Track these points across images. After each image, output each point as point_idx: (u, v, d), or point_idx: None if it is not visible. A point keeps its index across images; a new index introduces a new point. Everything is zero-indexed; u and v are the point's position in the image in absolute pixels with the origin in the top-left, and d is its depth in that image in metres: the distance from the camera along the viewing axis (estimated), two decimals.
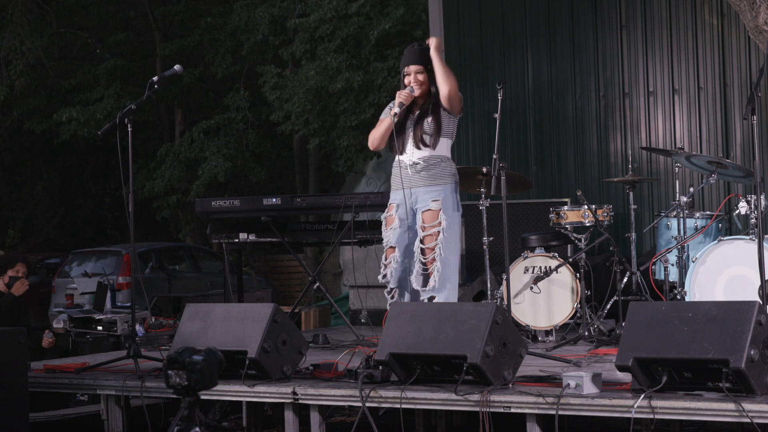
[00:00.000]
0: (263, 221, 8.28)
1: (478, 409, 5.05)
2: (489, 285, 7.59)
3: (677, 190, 7.70)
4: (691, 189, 7.49)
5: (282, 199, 8.23)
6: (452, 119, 6.33)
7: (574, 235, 7.75)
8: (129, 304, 7.96)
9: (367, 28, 18.22)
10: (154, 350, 7.22)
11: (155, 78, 6.61)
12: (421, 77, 6.28)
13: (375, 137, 6.36)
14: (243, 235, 8.42)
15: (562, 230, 7.79)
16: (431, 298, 6.22)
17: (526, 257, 7.64)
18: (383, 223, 6.42)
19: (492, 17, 10.83)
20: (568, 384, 4.96)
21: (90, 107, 21.45)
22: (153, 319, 8.40)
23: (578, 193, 7.67)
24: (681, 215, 7.33)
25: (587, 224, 7.68)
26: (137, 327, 7.41)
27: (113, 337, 8.32)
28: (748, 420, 4.53)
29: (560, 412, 4.91)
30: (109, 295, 9.06)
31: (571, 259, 7.65)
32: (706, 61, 9.83)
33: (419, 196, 6.28)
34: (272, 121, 20.46)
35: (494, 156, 6.58)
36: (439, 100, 6.26)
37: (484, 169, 7.44)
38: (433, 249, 6.21)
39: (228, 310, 6.10)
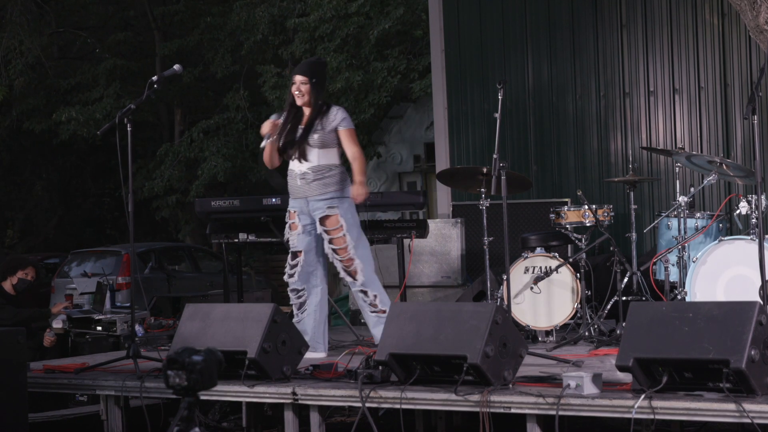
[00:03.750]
0: (263, 221, 8.27)
1: (478, 409, 5.05)
2: (489, 285, 7.58)
3: (677, 190, 7.70)
4: (692, 189, 7.48)
5: (282, 199, 8.22)
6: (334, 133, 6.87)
7: (575, 235, 7.74)
8: (128, 304, 7.96)
9: (367, 28, 18.22)
10: (153, 350, 7.21)
11: (155, 78, 6.61)
12: (303, 88, 6.97)
13: (266, 160, 7.00)
14: (243, 235, 8.42)
15: (563, 230, 7.78)
16: (364, 292, 6.81)
17: (527, 257, 7.63)
18: (287, 228, 6.94)
19: (492, 17, 10.82)
20: (569, 384, 4.95)
21: (89, 107, 21.44)
22: (152, 320, 8.39)
23: (578, 193, 7.66)
24: (681, 215, 7.32)
25: (587, 224, 7.68)
26: (137, 327, 7.40)
27: (113, 338, 8.32)
28: (748, 420, 4.53)
29: (560, 413, 4.90)
30: (108, 295, 9.05)
31: (571, 259, 7.65)
32: (707, 60, 9.82)
33: (315, 204, 6.82)
34: None
35: (494, 156, 6.63)
36: (325, 115, 6.88)
37: (484, 169, 7.44)
38: (345, 249, 6.76)
39: (228, 310, 6.09)
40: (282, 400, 5.68)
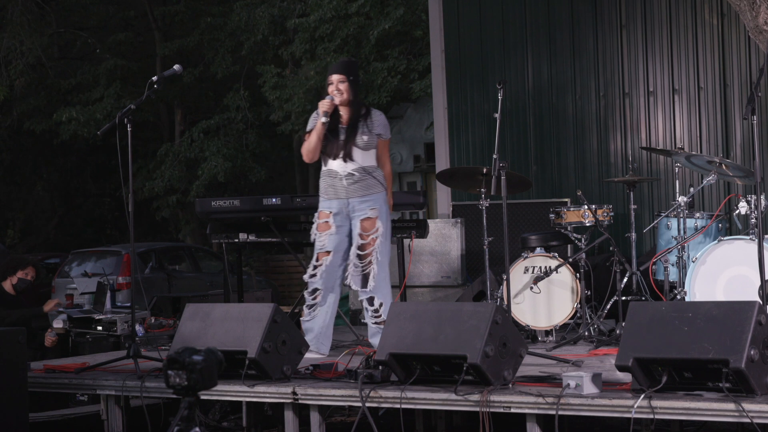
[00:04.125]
0: (263, 221, 8.27)
1: (478, 409, 5.05)
2: (489, 285, 7.59)
3: (677, 190, 7.70)
4: (691, 189, 7.48)
5: (282, 199, 8.23)
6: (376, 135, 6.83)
7: (574, 235, 7.74)
8: (129, 304, 7.96)
9: (367, 28, 18.23)
10: (153, 350, 7.22)
11: (155, 78, 6.60)
12: (342, 86, 6.75)
13: (310, 148, 6.77)
14: (243, 235, 8.42)
15: (562, 230, 7.79)
16: (371, 299, 6.76)
17: (526, 257, 7.64)
18: (315, 228, 6.84)
19: (492, 17, 10.83)
20: (568, 384, 4.95)
21: (90, 107, 21.45)
22: (153, 319, 8.39)
23: (578, 193, 7.66)
24: (681, 215, 7.32)
25: (587, 224, 7.68)
26: (137, 327, 7.40)
27: (113, 337, 8.31)
28: (748, 420, 4.53)
29: (560, 412, 4.91)
30: (108, 295, 9.05)
31: (571, 259, 7.65)
32: (706, 61, 9.83)
33: (357, 205, 6.74)
34: (272, 121, 20.47)
35: (494, 156, 6.64)
36: (368, 117, 6.77)
37: (484, 169, 7.44)
38: (372, 254, 6.72)
39: (228, 310, 6.09)
40: (282, 400, 5.68)
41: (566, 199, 9.59)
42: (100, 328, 8.39)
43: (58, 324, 8.59)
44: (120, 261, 15.73)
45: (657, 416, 4.72)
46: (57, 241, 25.93)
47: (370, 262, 6.73)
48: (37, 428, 6.59)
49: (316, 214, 6.91)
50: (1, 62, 21.35)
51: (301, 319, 6.94)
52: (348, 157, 6.72)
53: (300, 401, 5.61)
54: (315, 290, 6.85)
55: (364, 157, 6.76)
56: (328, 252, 6.80)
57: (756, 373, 4.61)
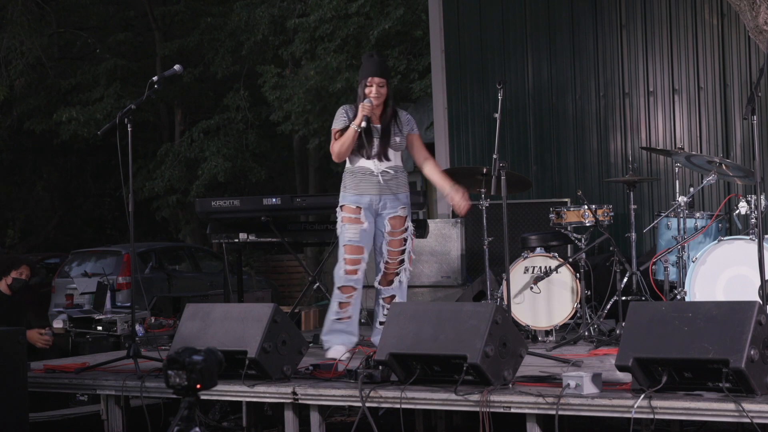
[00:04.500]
0: (263, 221, 8.27)
1: (478, 409, 5.05)
2: (489, 285, 7.59)
3: (677, 190, 7.70)
4: (691, 189, 7.48)
5: (282, 199, 8.23)
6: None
7: (574, 235, 7.74)
8: (129, 304, 7.96)
9: (367, 28, 18.22)
10: (153, 350, 7.22)
11: (155, 78, 6.60)
12: (383, 90, 6.64)
13: (342, 150, 6.65)
14: (243, 235, 8.42)
15: (562, 230, 7.79)
16: (392, 298, 6.73)
17: (526, 257, 7.64)
18: (342, 222, 6.69)
19: (492, 17, 10.83)
20: (568, 384, 4.95)
21: (90, 107, 21.46)
22: (153, 319, 8.40)
23: (578, 193, 7.66)
24: (681, 215, 7.32)
25: (587, 224, 7.68)
26: (137, 327, 7.41)
27: (113, 337, 8.32)
28: (748, 420, 4.53)
29: (560, 412, 4.91)
30: (108, 295, 9.06)
31: (571, 259, 7.65)
32: (706, 61, 9.83)
33: (389, 202, 6.69)
34: (272, 121, 20.47)
35: (494, 156, 6.64)
36: (397, 117, 6.72)
37: (484, 169, 7.45)
38: (402, 252, 6.71)
39: (228, 310, 6.09)
40: (282, 400, 5.68)
41: (566, 199, 9.59)
42: (100, 328, 8.39)
43: (58, 324, 8.59)
44: (120, 261, 15.73)
45: (657, 416, 4.72)
46: (57, 241, 25.93)
47: (401, 261, 6.72)
48: (37, 428, 6.59)
49: (338, 209, 6.73)
50: (1, 62, 21.35)
51: (332, 318, 6.78)
52: (384, 156, 6.67)
53: (300, 401, 5.61)
54: (351, 288, 6.66)
55: (395, 157, 6.74)
56: (362, 248, 6.64)
57: (756, 373, 4.61)
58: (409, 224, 6.76)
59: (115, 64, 22.39)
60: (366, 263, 6.70)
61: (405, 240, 6.72)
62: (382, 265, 6.73)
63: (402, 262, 6.73)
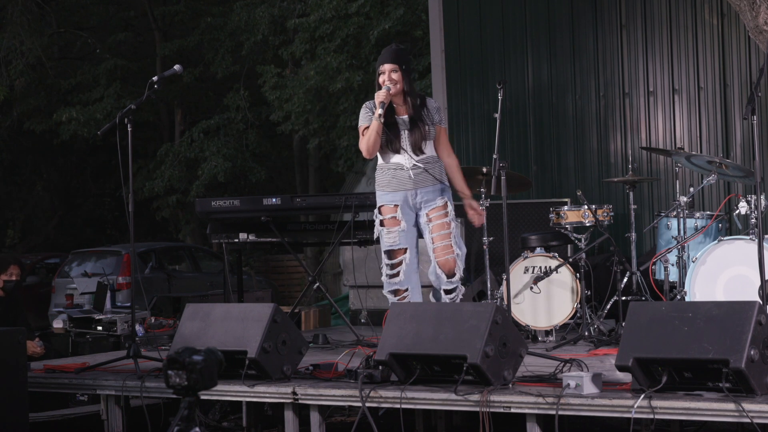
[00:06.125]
0: (263, 221, 8.27)
1: (478, 409, 5.05)
2: (489, 285, 7.59)
3: (677, 190, 7.70)
4: (691, 189, 7.48)
5: (282, 199, 8.23)
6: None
7: (574, 235, 7.74)
8: (129, 304, 7.96)
9: (367, 28, 18.23)
10: (153, 350, 7.22)
11: (155, 78, 6.60)
12: (395, 75, 6.37)
13: (369, 144, 6.37)
14: (243, 235, 8.41)
15: (562, 230, 7.79)
16: (454, 290, 6.41)
17: (526, 257, 7.64)
18: (379, 224, 6.46)
19: (492, 17, 10.83)
20: (568, 384, 4.96)
21: (90, 107, 21.46)
22: (153, 319, 8.40)
23: (578, 193, 7.66)
24: (681, 215, 7.32)
25: (587, 224, 7.68)
26: (137, 327, 7.41)
27: (113, 337, 8.32)
28: (748, 420, 4.53)
29: (560, 413, 4.91)
30: (108, 295, 9.06)
31: (571, 259, 7.65)
32: (706, 61, 9.83)
33: (425, 195, 6.42)
34: (272, 121, 20.48)
35: (494, 156, 6.61)
36: (425, 106, 6.48)
37: (484, 169, 7.44)
38: (449, 236, 6.39)
39: (228, 310, 6.09)
40: (282, 400, 5.69)
41: (566, 199, 9.58)
42: (100, 328, 8.40)
43: (58, 324, 8.59)
44: (120, 261, 15.72)
45: (657, 416, 4.72)
46: (57, 241, 25.92)
47: (451, 246, 6.38)
48: (37, 428, 6.60)
49: (376, 211, 6.52)
50: (1, 62, 21.35)
51: None
52: (418, 148, 6.41)
53: (300, 401, 5.62)
54: (399, 291, 6.43)
55: (428, 147, 6.46)
56: (405, 249, 6.42)
57: (756, 373, 4.62)
58: (451, 209, 6.43)
59: (115, 64, 22.40)
60: (413, 260, 6.44)
61: (448, 224, 6.40)
62: (435, 253, 6.41)
63: (452, 249, 6.39)
